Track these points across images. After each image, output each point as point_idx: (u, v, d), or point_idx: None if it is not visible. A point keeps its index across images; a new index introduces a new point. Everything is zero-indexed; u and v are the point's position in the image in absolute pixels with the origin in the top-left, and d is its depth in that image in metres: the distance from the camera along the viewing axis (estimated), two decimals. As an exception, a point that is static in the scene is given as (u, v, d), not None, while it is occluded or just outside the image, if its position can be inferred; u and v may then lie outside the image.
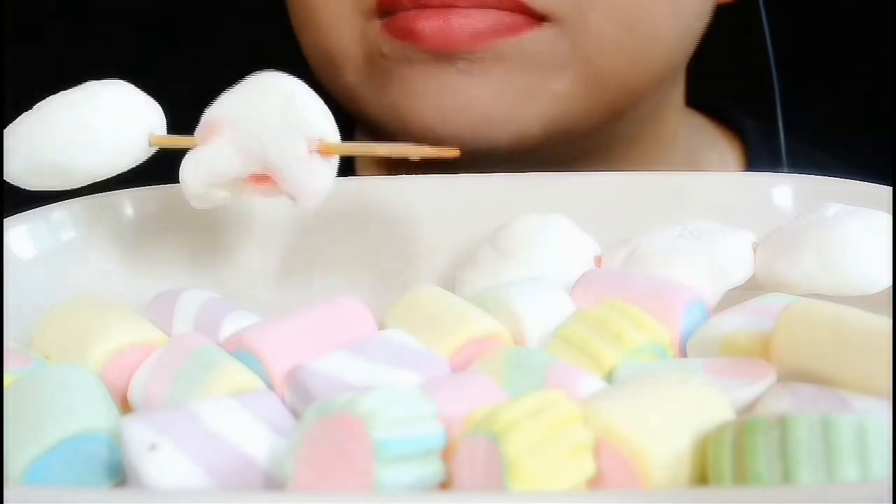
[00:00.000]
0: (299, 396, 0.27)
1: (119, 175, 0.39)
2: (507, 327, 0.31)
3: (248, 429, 0.25)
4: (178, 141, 0.33)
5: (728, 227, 0.33)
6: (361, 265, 0.38)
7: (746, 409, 0.26)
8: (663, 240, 0.33)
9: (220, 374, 0.27)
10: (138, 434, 0.24)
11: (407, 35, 0.42)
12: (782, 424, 0.22)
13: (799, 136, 0.57)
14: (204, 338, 0.30)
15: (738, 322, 0.29)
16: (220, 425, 0.25)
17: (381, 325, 0.32)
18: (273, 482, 0.24)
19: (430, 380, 0.27)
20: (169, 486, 0.23)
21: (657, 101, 0.50)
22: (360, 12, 0.44)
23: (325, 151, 0.32)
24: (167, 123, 0.34)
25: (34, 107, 0.33)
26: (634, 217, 0.36)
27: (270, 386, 0.28)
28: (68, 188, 0.34)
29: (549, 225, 0.35)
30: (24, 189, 0.37)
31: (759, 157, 0.56)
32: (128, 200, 0.38)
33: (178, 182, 0.38)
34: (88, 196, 0.37)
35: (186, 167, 0.33)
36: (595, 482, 0.23)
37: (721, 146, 0.57)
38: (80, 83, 0.34)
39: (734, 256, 0.32)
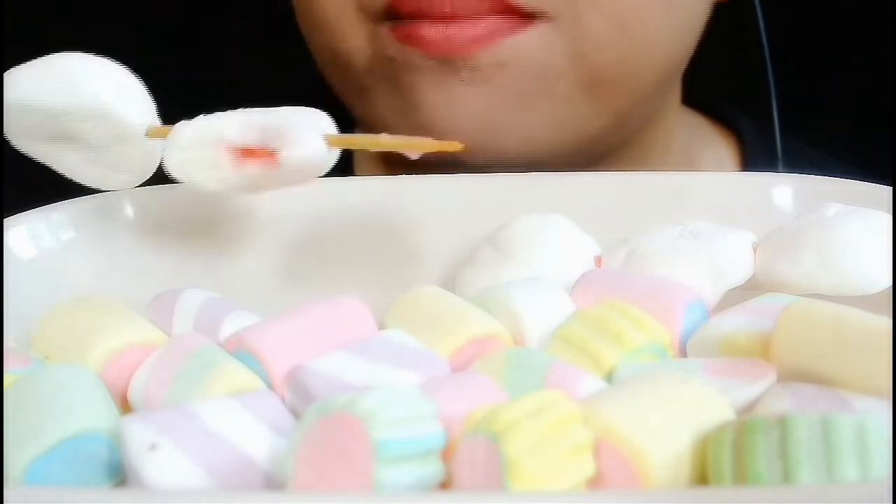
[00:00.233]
0: (299, 396, 0.27)
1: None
2: (507, 327, 0.31)
3: (248, 429, 0.25)
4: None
5: (728, 227, 0.33)
6: (361, 265, 0.38)
7: (746, 409, 0.26)
8: (663, 240, 0.33)
9: (220, 374, 0.27)
10: (138, 434, 0.24)
11: (413, 41, 0.43)
12: (782, 424, 0.22)
13: (795, 135, 0.57)
14: (204, 338, 0.30)
15: (738, 322, 0.29)
16: (220, 425, 0.25)
17: (381, 325, 0.32)
18: (273, 482, 0.24)
19: (430, 380, 0.27)
20: (169, 486, 0.23)
21: (657, 103, 0.50)
22: (369, 16, 0.44)
23: (330, 142, 0.32)
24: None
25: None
26: (634, 217, 0.36)
27: (270, 386, 0.28)
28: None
29: (549, 225, 0.35)
30: (24, 189, 0.37)
31: (755, 155, 0.56)
32: (128, 200, 0.38)
33: (179, 182, 0.38)
34: (88, 196, 0.37)
35: (181, 128, 0.32)
36: (595, 482, 0.23)
37: (717, 145, 0.57)
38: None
39: (734, 256, 0.32)
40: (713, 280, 0.32)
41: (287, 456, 0.24)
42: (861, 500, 0.20)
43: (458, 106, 0.44)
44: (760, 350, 0.28)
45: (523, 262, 0.34)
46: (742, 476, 0.22)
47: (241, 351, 0.29)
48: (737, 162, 0.56)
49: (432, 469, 0.23)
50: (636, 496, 0.22)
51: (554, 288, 0.32)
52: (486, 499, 0.22)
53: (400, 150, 0.32)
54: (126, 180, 0.35)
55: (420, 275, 0.36)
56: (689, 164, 0.54)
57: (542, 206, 0.36)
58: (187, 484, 0.23)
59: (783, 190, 0.37)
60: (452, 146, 0.32)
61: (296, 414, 0.27)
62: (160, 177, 0.38)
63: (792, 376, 0.26)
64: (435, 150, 0.32)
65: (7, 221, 0.35)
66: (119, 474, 0.25)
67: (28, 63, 0.33)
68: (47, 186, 0.37)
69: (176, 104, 0.35)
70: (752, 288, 0.32)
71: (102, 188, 0.36)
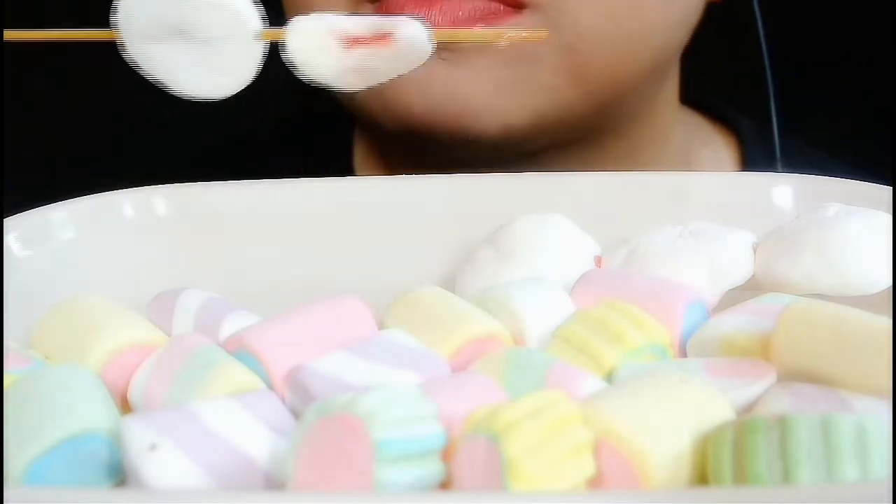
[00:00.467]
0: (299, 396, 0.27)
1: (119, 175, 0.39)
2: (507, 327, 0.31)
3: (248, 429, 0.25)
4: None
5: (727, 227, 0.33)
6: (361, 265, 0.38)
7: (746, 409, 0.26)
8: (663, 240, 0.33)
9: (220, 374, 0.27)
10: (138, 434, 0.24)
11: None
12: (782, 424, 0.22)
13: (795, 134, 0.57)
14: (204, 338, 0.30)
15: (738, 322, 0.29)
16: (220, 425, 0.25)
17: (381, 325, 0.32)
18: (273, 482, 0.24)
19: (430, 380, 0.27)
20: (169, 486, 0.23)
21: (648, 96, 0.50)
22: None
23: (434, 34, 0.35)
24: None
25: None
26: (634, 217, 0.36)
27: (270, 386, 0.28)
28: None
29: (549, 225, 0.35)
30: (25, 188, 0.37)
31: (754, 154, 0.56)
32: (128, 200, 0.38)
33: (178, 182, 0.39)
34: (88, 196, 0.37)
35: (299, 21, 0.35)
36: (595, 482, 0.23)
37: (716, 143, 0.57)
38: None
39: (734, 256, 0.32)
40: (713, 280, 0.32)
41: (287, 456, 0.24)
42: (861, 500, 0.20)
43: (436, 85, 0.43)
44: (760, 350, 0.28)
45: (523, 262, 0.34)
46: (742, 476, 0.22)
47: (241, 351, 0.29)
48: (736, 161, 0.56)
49: (432, 469, 0.23)
50: (636, 496, 0.22)
51: (554, 288, 0.32)
52: (486, 499, 0.22)
53: (490, 42, 0.37)
54: (227, 85, 0.37)
55: (420, 275, 0.36)
56: (686, 162, 0.54)
57: (542, 206, 0.36)
58: (187, 484, 0.23)
59: (783, 190, 0.37)
60: (539, 35, 0.37)
61: (296, 414, 0.27)
62: (160, 177, 0.39)
63: (792, 376, 0.26)
64: (517, 40, 0.36)
65: (7, 221, 0.35)
66: (119, 474, 0.25)
67: None
68: (47, 187, 0.37)
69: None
70: (752, 288, 0.32)
71: (203, 95, 0.37)
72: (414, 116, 0.44)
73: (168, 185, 0.38)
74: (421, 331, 0.30)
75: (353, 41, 0.35)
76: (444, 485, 0.23)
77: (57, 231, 0.36)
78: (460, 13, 0.42)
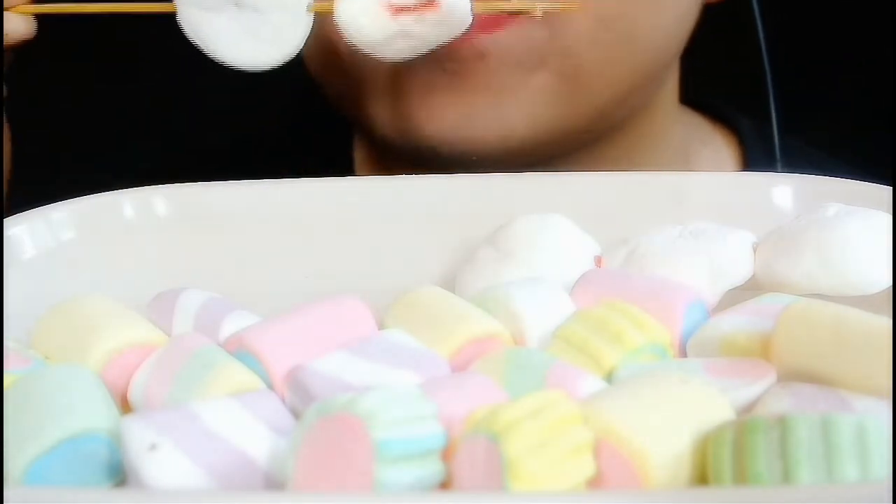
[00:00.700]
0: (299, 396, 0.27)
1: (120, 175, 0.39)
2: (507, 327, 0.31)
3: (248, 429, 0.25)
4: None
5: (727, 227, 0.33)
6: (361, 265, 0.38)
7: (746, 409, 0.26)
8: (663, 240, 0.33)
9: (220, 374, 0.27)
10: (138, 434, 0.24)
11: None
12: (782, 424, 0.22)
13: (795, 134, 0.57)
14: (204, 338, 0.30)
15: (738, 322, 0.29)
16: (220, 425, 0.25)
17: (381, 325, 0.32)
18: (273, 482, 0.24)
19: (430, 380, 0.27)
20: (169, 486, 0.23)
21: (647, 98, 0.50)
22: None
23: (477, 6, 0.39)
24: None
25: None
26: (634, 217, 0.36)
27: (270, 386, 0.28)
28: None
29: (549, 225, 0.35)
30: (25, 188, 0.37)
31: (754, 154, 0.56)
32: (128, 200, 0.38)
33: (178, 182, 0.39)
34: (88, 196, 0.37)
35: None
36: (595, 482, 0.23)
37: (716, 143, 0.57)
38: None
39: (734, 256, 0.32)
40: (713, 280, 0.32)
41: (287, 456, 0.24)
42: (861, 500, 0.20)
43: (437, 95, 0.44)
44: (760, 350, 0.28)
45: (523, 262, 0.34)
46: (742, 476, 0.22)
47: (241, 351, 0.29)
48: (736, 161, 0.56)
49: (432, 469, 0.23)
50: (636, 496, 0.22)
51: (554, 288, 0.32)
52: (486, 499, 0.22)
53: (527, 12, 0.39)
54: (275, 56, 0.39)
55: (420, 275, 0.36)
56: (686, 162, 0.54)
57: (542, 206, 0.36)
58: (187, 484, 0.23)
59: (783, 190, 0.37)
60: (572, 6, 0.39)
61: (296, 414, 0.27)
62: (160, 177, 0.39)
63: (792, 376, 0.26)
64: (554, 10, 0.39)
65: (7, 221, 0.35)
66: (119, 474, 0.25)
67: None
68: (48, 186, 0.37)
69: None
70: (752, 288, 0.32)
71: (253, 66, 0.39)
72: (414, 125, 0.44)
73: (168, 185, 0.38)
74: (421, 331, 0.30)
75: (400, 8, 0.37)
76: (444, 485, 0.23)
77: (57, 231, 0.36)
78: None
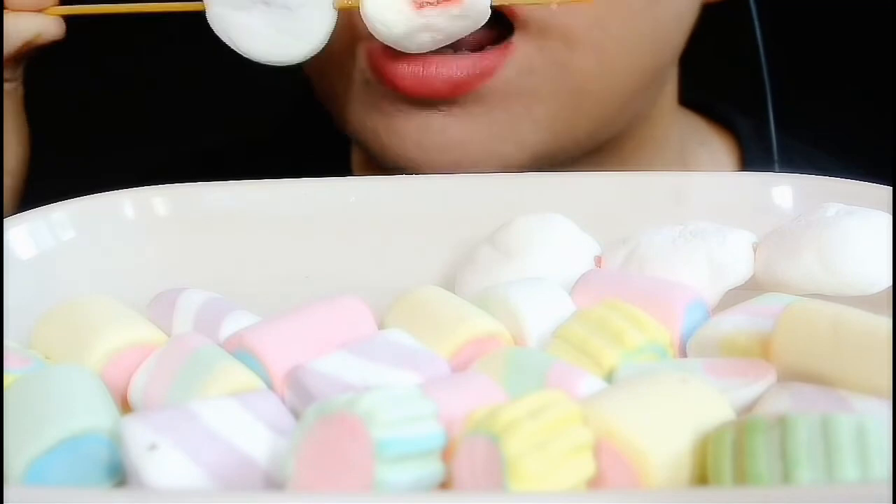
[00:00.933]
0: (299, 396, 0.27)
1: (119, 175, 0.39)
2: (507, 327, 0.31)
3: (248, 429, 0.25)
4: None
5: (727, 227, 0.33)
6: (361, 265, 0.38)
7: (746, 409, 0.26)
8: (663, 240, 0.33)
9: (220, 374, 0.27)
10: (138, 434, 0.24)
11: (387, 81, 0.43)
12: (782, 424, 0.22)
13: (794, 134, 0.57)
14: (204, 338, 0.30)
15: (738, 322, 0.29)
16: (219, 425, 0.25)
17: (381, 325, 0.32)
18: (273, 482, 0.24)
19: (430, 380, 0.27)
20: (169, 486, 0.23)
21: (648, 101, 0.50)
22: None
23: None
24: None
25: None
26: (634, 217, 0.36)
27: (270, 386, 0.28)
28: None
29: (549, 225, 0.35)
30: (25, 188, 0.37)
31: (752, 155, 0.56)
32: (128, 200, 0.38)
33: (178, 182, 0.39)
34: (88, 196, 0.37)
35: None
36: (595, 482, 0.23)
37: (714, 144, 0.57)
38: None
39: (734, 256, 0.32)
40: (713, 280, 0.32)
41: (287, 456, 0.24)
42: (861, 500, 0.20)
43: (434, 135, 0.44)
44: (760, 350, 0.28)
45: (523, 262, 0.34)
46: (742, 476, 0.22)
47: (241, 351, 0.29)
48: (734, 161, 0.56)
49: (432, 469, 0.23)
50: (636, 496, 0.22)
51: (554, 288, 0.32)
52: (486, 499, 0.22)
53: (544, 5, 0.40)
54: (301, 50, 0.41)
55: (420, 275, 0.36)
56: (684, 164, 0.54)
57: (542, 206, 0.36)
58: (187, 484, 0.23)
59: (783, 190, 0.37)
60: None
61: (296, 414, 0.27)
62: (160, 177, 0.39)
63: (792, 376, 0.26)
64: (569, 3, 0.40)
65: (7, 221, 0.35)
66: (119, 474, 0.25)
67: None
68: (48, 186, 0.37)
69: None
70: (752, 288, 0.32)
71: (279, 60, 0.41)
72: (410, 161, 0.44)
73: (168, 185, 0.38)
74: (421, 331, 0.30)
75: (424, 2, 0.38)
76: (444, 485, 0.23)
77: (57, 231, 0.36)
78: (458, 76, 0.42)
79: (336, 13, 0.40)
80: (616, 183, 0.39)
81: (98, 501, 0.22)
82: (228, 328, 0.31)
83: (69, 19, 0.42)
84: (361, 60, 0.44)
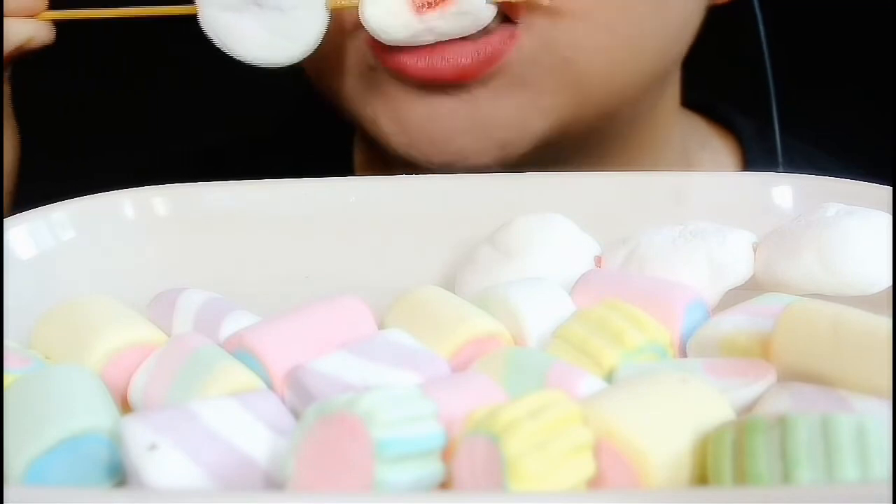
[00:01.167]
0: (299, 396, 0.27)
1: (119, 175, 0.39)
2: (507, 327, 0.31)
3: (248, 429, 0.25)
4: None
5: (727, 227, 0.33)
6: (361, 265, 0.38)
7: (746, 409, 0.26)
8: (663, 240, 0.33)
9: (220, 374, 0.27)
10: (138, 434, 0.24)
11: (392, 67, 0.42)
12: (782, 424, 0.22)
13: (794, 134, 0.57)
14: (204, 338, 0.30)
15: (738, 322, 0.29)
16: (219, 425, 0.25)
17: (381, 325, 0.32)
18: (273, 482, 0.24)
19: (430, 380, 0.27)
20: (169, 486, 0.23)
21: (651, 103, 0.50)
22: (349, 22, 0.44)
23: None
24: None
25: None
26: (634, 217, 0.36)
27: (270, 386, 0.28)
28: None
29: (549, 225, 0.35)
30: (25, 188, 0.37)
31: (754, 156, 0.56)
32: (128, 200, 0.38)
33: (177, 182, 0.39)
34: (88, 196, 0.37)
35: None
36: (595, 482, 0.23)
37: (716, 145, 0.57)
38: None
39: (734, 256, 0.32)
40: (713, 280, 0.32)
41: (287, 456, 0.24)
42: (861, 500, 0.20)
43: (442, 120, 0.44)
44: (760, 350, 0.28)
45: (523, 262, 0.34)
46: (742, 476, 0.22)
47: (241, 351, 0.29)
48: (736, 163, 0.56)
49: (432, 469, 0.23)
50: (636, 496, 0.22)
51: (554, 288, 0.32)
52: (486, 499, 0.22)
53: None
54: (295, 52, 0.41)
55: (420, 275, 0.36)
56: (686, 165, 0.54)
57: (542, 206, 0.36)
58: (187, 484, 0.23)
59: (783, 190, 0.37)
60: None
61: (296, 414, 0.27)
62: (160, 177, 0.39)
63: (792, 376, 0.26)
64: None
65: (7, 221, 0.35)
66: (119, 474, 0.25)
67: None
68: (48, 186, 0.37)
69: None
70: (752, 288, 0.32)
71: (272, 62, 0.41)
72: (416, 150, 0.44)
73: (168, 185, 0.38)
74: (421, 331, 0.30)
75: (424, 3, 0.39)
76: (444, 485, 0.23)
77: (57, 231, 0.36)
78: (465, 62, 0.42)
79: (329, 14, 0.40)
80: (616, 183, 0.39)
81: (98, 501, 0.22)
82: (228, 328, 0.31)
83: (65, 21, 0.42)
84: (364, 46, 0.44)
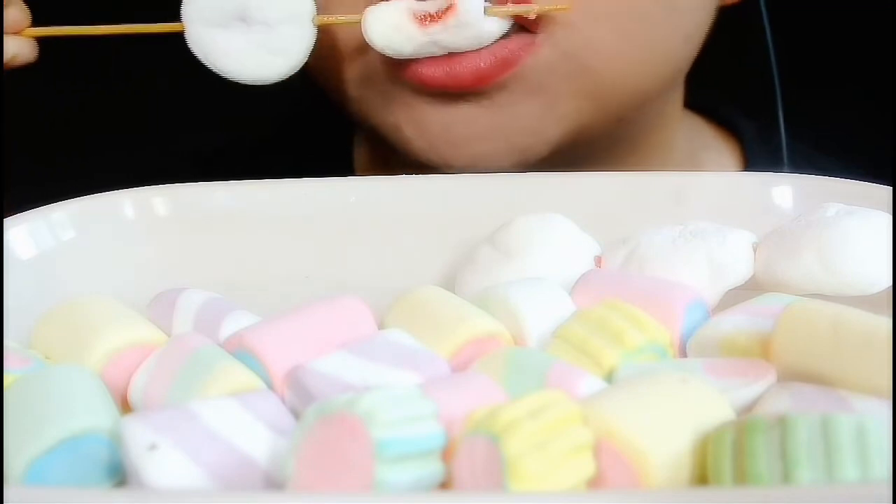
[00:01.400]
0: (299, 396, 0.27)
1: (119, 175, 0.39)
2: (507, 327, 0.31)
3: (248, 429, 0.25)
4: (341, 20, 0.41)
5: (727, 227, 0.33)
6: (361, 265, 0.38)
7: (746, 409, 0.26)
8: (663, 240, 0.33)
9: (220, 374, 0.27)
10: (138, 434, 0.24)
11: (414, 80, 0.42)
12: (782, 424, 0.22)
13: (796, 135, 0.57)
14: (204, 338, 0.30)
15: (738, 322, 0.29)
16: (219, 425, 0.25)
17: (381, 325, 0.32)
18: (273, 482, 0.24)
19: (430, 380, 0.27)
20: (169, 486, 0.23)
21: (660, 106, 0.50)
22: None
23: (490, 11, 0.40)
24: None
25: None
26: (634, 217, 0.36)
27: (270, 386, 0.28)
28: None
29: (549, 225, 0.35)
30: (24, 188, 0.37)
31: (755, 157, 0.56)
32: (128, 200, 0.38)
33: (177, 182, 0.39)
34: (88, 196, 0.37)
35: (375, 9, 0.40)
36: (595, 482, 0.23)
37: (718, 147, 0.57)
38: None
39: (734, 256, 0.32)
40: (713, 280, 0.32)
41: (287, 456, 0.24)
42: (861, 500, 0.20)
43: (458, 128, 0.44)
44: (760, 350, 0.28)
45: (523, 262, 0.34)
46: (742, 476, 0.22)
47: (241, 351, 0.29)
48: (737, 164, 0.56)
49: (432, 469, 0.23)
50: (636, 496, 0.22)
51: (554, 288, 0.32)
52: (486, 499, 0.22)
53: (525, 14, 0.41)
54: (283, 66, 0.41)
55: (420, 275, 0.36)
56: (691, 167, 0.54)
57: (542, 206, 0.36)
58: (187, 484, 0.23)
59: (783, 190, 0.37)
60: (563, 8, 0.41)
61: (296, 414, 0.27)
62: (160, 177, 0.39)
63: (792, 376, 0.26)
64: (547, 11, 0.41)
65: (7, 221, 0.35)
66: (119, 474, 0.25)
67: None
68: (47, 186, 0.37)
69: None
70: (752, 288, 0.32)
71: (259, 79, 0.41)
72: (436, 156, 0.44)
73: (168, 185, 0.38)
74: (421, 331, 0.30)
75: (426, 17, 0.39)
76: (444, 485, 0.23)
77: (57, 231, 0.36)
78: (483, 67, 0.42)
79: (315, 30, 0.40)
80: (616, 183, 0.39)
81: (98, 501, 0.22)
82: (228, 328, 0.31)
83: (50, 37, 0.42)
84: (379, 60, 0.44)
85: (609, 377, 0.28)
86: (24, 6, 0.42)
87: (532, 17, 0.40)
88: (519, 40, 0.42)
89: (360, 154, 0.56)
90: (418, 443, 0.23)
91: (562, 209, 0.36)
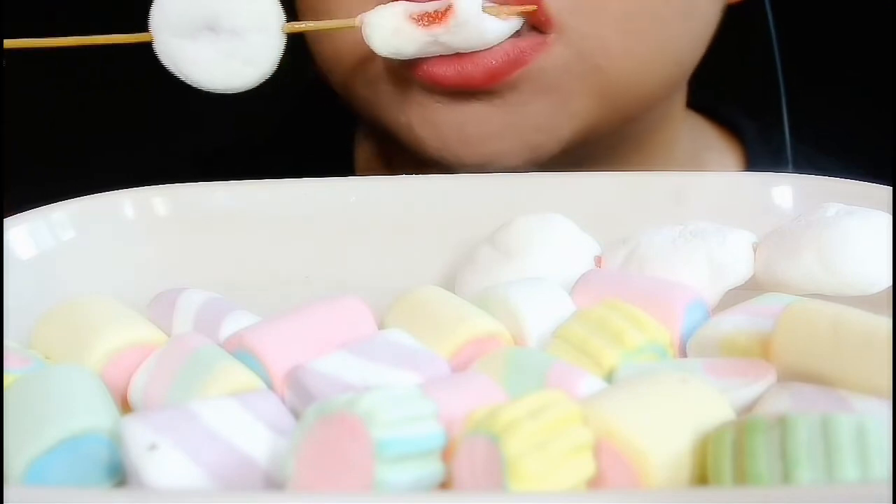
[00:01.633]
0: (299, 396, 0.27)
1: (119, 175, 0.39)
2: (507, 327, 0.31)
3: (248, 429, 0.25)
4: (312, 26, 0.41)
5: (727, 227, 0.33)
6: (361, 265, 0.38)
7: (746, 409, 0.26)
8: (663, 240, 0.33)
9: (220, 374, 0.27)
10: (138, 434, 0.24)
11: (426, 80, 0.42)
12: (782, 424, 0.22)
13: (796, 134, 0.57)
14: (204, 338, 0.30)
15: (738, 322, 0.29)
16: (219, 425, 0.25)
17: (381, 325, 0.32)
18: (273, 482, 0.24)
19: (430, 380, 0.27)
20: (169, 486, 0.23)
21: (667, 105, 0.50)
22: None
23: (487, 10, 0.40)
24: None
25: None
26: (634, 217, 0.36)
27: (270, 386, 0.28)
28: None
29: (549, 225, 0.35)
30: (24, 188, 0.37)
31: (757, 158, 0.56)
32: (128, 200, 0.38)
33: (177, 182, 0.39)
34: (88, 196, 0.37)
35: (375, 12, 0.40)
36: (595, 482, 0.23)
37: (720, 147, 0.57)
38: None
39: (734, 256, 0.32)
40: (713, 280, 0.32)
41: (287, 456, 0.24)
42: (861, 500, 0.20)
43: (471, 127, 0.44)
44: (760, 350, 0.28)
45: (523, 262, 0.34)
46: (742, 476, 0.22)
47: (241, 351, 0.29)
48: (739, 164, 0.56)
49: (432, 469, 0.23)
50: (636, 496, 0.22)
51: (554, 288, 0.32)
52: (486, 499, 0.22)
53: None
54: (252, 75, 0.40)
55: (420, 275, 0.36)
56: (694, 166, 0.54)
57: (542, 206, 0.36)
58: (187, 484, 0.23)
59: (783, 190, 0.37)
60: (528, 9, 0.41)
61: (296, 414, 0.27)
62: (160, 177, 0.39)
63: (792, 376, 0.26)
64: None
65: (7, 221, 0.35)
66: (119, 474, 0.25)
67: None
68: (47, 187, 0.37)
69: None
70: (752, 288, 0.32)
71: (229, 88, 0.40)
72: (450, 154, 0.44)
73: (168, 185, 0.38)
74: (421, 331, 0.30)
75: (425, 17, 0.39)
76: (444, 485, 0.23)
77: (57, 231, 0.36)
78: (495, 65, 0.42)
79: (285, 37, 0.40)
80: (616, 183, 0.39)
81: (98, 501, 0.22)
82: (228, 328, 0.31)
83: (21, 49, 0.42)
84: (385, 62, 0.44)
85: (609, 377, 0.28)
86: None
87: (513, 19, 0.40)
88: (530, 39, 0.42)
89: (360, 153, 0.56)
90: (418, 443, 0.23)
91: (562, 209, 0.36)
